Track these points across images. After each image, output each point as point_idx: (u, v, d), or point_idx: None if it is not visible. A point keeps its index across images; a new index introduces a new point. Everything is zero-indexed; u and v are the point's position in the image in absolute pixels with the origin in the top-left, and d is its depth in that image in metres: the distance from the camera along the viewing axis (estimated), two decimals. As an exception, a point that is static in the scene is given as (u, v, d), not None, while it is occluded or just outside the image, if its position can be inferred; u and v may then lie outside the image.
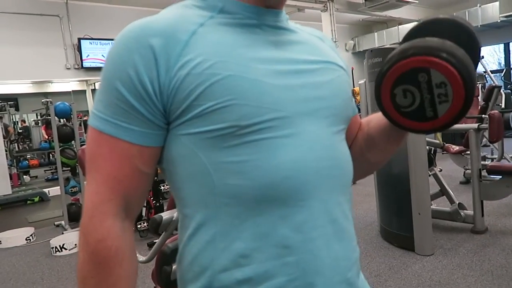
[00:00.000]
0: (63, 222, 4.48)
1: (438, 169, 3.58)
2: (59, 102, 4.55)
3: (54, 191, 6.47)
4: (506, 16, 8.63)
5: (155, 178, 3.56)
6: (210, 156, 0.54)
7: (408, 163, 2.80)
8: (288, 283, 0.56)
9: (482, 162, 3.60)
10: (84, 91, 10.17)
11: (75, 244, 3.72)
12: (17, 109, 11.18)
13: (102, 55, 7.48)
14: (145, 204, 3.75)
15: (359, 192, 4.54)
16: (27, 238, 4.17)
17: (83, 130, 7.67)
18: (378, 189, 3.34)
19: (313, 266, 0.56)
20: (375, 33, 11.30)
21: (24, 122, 11.28)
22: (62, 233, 4.17)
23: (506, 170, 3.24)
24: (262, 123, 0.54)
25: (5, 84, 8.34)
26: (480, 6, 9.16)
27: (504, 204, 3.74)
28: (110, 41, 7.49)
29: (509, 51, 10.59)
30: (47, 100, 4.51)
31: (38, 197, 6.42)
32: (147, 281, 2.65)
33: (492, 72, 7.45)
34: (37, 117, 10.22)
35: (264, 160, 0.54)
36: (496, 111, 3.76)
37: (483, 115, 3.66)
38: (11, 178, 7.17)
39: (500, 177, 3.21)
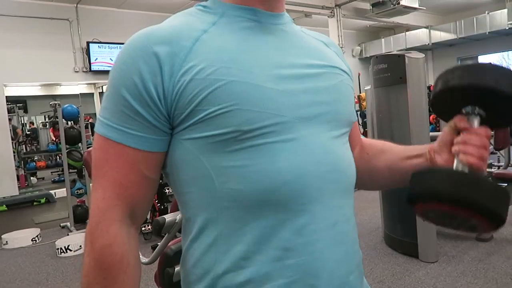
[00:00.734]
0: (68, 224, 4.52)
1: (443, 176, 3.56)
2: (67, 105, 4.60)
3: (60, 192, 6.53)
4: (514, 23, 8.60)
5: (160, 181, 3.57)
6: (212, 160, 0.55)
7: (413, 169, 2.79)
8: (289, 285, 0.56)
9: (488, 170, 3.58)
10: (92, 94, 10.26)
11: (80, 246, 3.75)
12: (25, 111, 11.30)
13: (110, 59, 7.56)
14: (150, 207, 3.75)
15: (364, 198, 4.52)
16: (33, 239, 4.21)
17: (90, 133, 7.73)
18: (382, 195, 3.33)
19: (314, 268, 0.57)
20: (382, 39, 11.29)
21: (32, 124, 11.39)
22: (68, 235, 4.20)
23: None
24: (264, 128, 0.54)
25: (14, 87, 8.43)
26: (488, 13, 9.12)
27: (510, 212, 3.69)
28: (118, 45, 7.58)
29: (517, 58, 10.54)
30: (55, 102, 4.56)
31: (44, 198, 6.48)
32: (150, 283, 2.66)
33: (499, 79, 7.41)
34: (45, 119, 10.32)
35: (265, 164, 0.55)
36: (503, 119, 3.73)
37: (489, 122, 3.64)
38: (18, 179, 7.24)
39: (506, 184, 3.19)
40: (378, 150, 0.76)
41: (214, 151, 0.55)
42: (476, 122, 0.59)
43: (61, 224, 4.71)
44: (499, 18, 8.96)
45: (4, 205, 6.13)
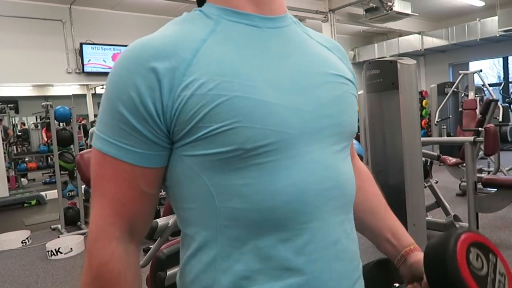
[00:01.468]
0: (59, 226, 4.49)
1: (434, 181, 3.59)
2: (59, 106, 4.56)
3: (51, 194, 6.46)
4: (505, 31, 8.71)
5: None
6: (213, 178, 0.54)
7: (404, 174, 2.82)
8: None
9: (478, 175, 3.62)
10: (84, 95, 10.21)
11: (71, 248, 3.73)
12: (17, 112, 11.21)
13: (104, 60, 7.52)
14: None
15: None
16: (23, 241, 4.17)
17: (82, 134, 7.68)
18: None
19: (314, 287, 0.57)
20: (375, 44, 11.37)
21: (24, 124, 11.29)
22: (58, 237, 4.17)
23: (501, 183, 3.26)
24: (267, 146, 0.53)
25: (5, 87, 8.37)
26: (479, 20, 9.24)
27: (499, 217, 3.75)
28: (112, 47, 7.53)
29: (507, 65, 10.67)
30: (47, 103, 4.53)
31: (35, 200, 6.41)
32: (143, 287, 2.65)
33: (491, 85, 7.51)
34: (36, 120, 10.24)
35: (265, 184, 0.54)
36: (492, 125, 3.79)
37: (479, 128, 3.69)
38: (8, 181, 7.16)
39: (496, 190, 3.23)
40: (368, 207, 0.82)
41: (215, 169, 0.53)
42: None
43: (52, 226, 4.67)
44: (490, 25, 9.09)
45: (-6, 207, 6.07)
